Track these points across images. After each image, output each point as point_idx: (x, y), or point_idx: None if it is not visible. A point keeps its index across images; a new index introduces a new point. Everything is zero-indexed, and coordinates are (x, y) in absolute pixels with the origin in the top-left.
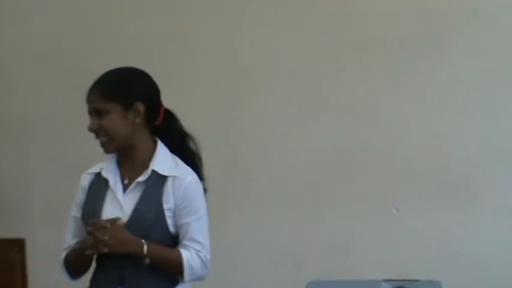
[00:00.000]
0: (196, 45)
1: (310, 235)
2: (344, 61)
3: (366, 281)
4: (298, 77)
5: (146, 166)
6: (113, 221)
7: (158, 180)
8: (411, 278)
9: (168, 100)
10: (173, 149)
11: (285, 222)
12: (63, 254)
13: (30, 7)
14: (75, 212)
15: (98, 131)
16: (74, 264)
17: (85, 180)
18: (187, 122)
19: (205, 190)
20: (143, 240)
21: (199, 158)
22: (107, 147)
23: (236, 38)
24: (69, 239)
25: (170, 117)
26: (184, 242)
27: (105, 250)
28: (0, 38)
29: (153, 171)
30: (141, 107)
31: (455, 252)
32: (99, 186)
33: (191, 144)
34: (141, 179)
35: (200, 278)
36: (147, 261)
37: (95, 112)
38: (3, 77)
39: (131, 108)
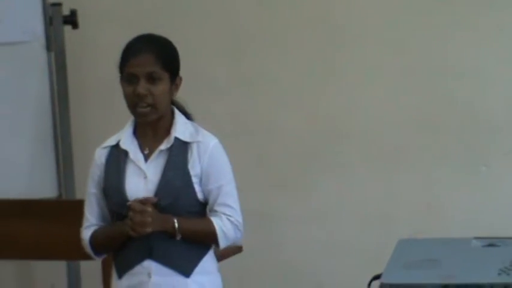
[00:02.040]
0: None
1: (399, 194)
2: (426, 18)
3: (456, 239)
4: (383, 36)
5: (166, 134)
6: (145, 201)
7: (182, 147)
8: (502, 236)
9: (255, 59)
10: None
11: (373, 181)
12: (87, 233)
13: None
14: (93, 188)
15: (145, 96)
16: (103, 245)
17: (101, 155)
18: (273, 79)
19: None
20: (174, 218)
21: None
22: (149, 116)
23: None
24: (89, 217)
25: None
26: (215, 207)
27: (148, 231)
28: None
29: (176, 138)
30: (179, 81)
31: None
32: (118, 159)
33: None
34: (163, 147)
35: (234, 241)
36: (179, 237)
37: (147, 76)
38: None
39: (174, 81)
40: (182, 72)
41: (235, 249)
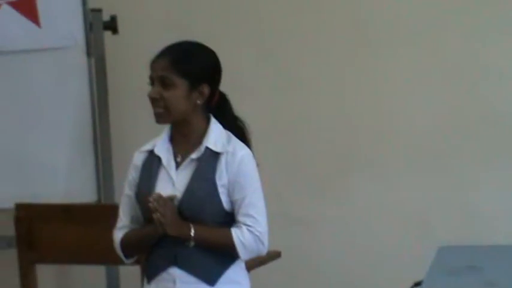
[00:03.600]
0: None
1: (440, 200)
2: (462, 20)
3: (497, 245)
4: (420, 38)
5: (199, 143)
6: (166, 199)
7: (211, 157)
8: None
9: (293, 60)
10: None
11: (414, 186)
12: (119, 234)
13: None
14: (128, 190)
15: (157, 100)
16: (133, 247)
17: (138, 158)
18: (312, 81)
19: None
20: (192, 226)
21: (250, 144)
22: (161, 119)
23: None
24: (123, 218)
25: (224, 101)
26: (238, 217)
27: (163, 221)
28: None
29: (207, 148)
30: (206, 89)
31: None
32: (151, 164)
33: (242, 129)
34: (194, 155)
35: (259, 254)
36: (192, 244)
37: (160, 80)
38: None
39: (197, 89)
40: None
41: (273, 255)
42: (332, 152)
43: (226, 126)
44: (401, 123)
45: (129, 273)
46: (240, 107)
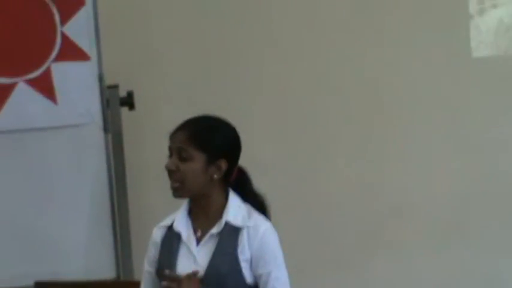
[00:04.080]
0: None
1: (456, 274)
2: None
3: None
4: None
5: (219, 217)
6: (190, 276)
7: (232, 232)
8: None
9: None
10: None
11: (433, 263)
12: None
13: None
14: (148, 267)
15: (174, 172)
16: None
17: (157, 235)
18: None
19: None
20: None
21: (269, 219)
22: (177, 193)
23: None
24: None
25: (243, 177)
26: None
27: None
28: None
29: (227, 222)
30: (223, 164)
31: None
32: (171, 241)
33: (262, 205)
34: (214, 230)
35: None
36: None
37: (177, 152)
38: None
39: (214, 163)
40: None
41: None
42: (353, 230)
43: (245, 201)
44: (417, 198)
45: None
46: (260, 180)
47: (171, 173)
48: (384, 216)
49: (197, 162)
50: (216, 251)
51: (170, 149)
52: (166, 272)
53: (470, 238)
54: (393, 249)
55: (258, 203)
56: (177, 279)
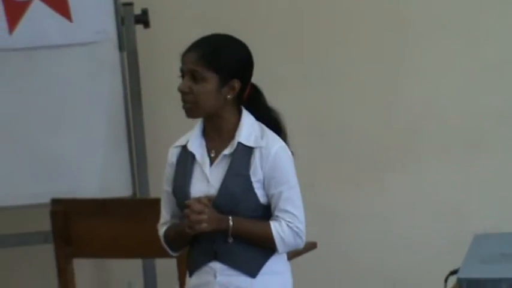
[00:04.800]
0: None
1: (472, 189)
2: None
3: None
4: (456, 29)
5: (232, 137)
6: (198, 199)
7: (245, 152)
8: None
9: (326, 57)
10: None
11: (445, 176)
12: (162, 230)
13: None
14: (166, 186)
15: (187, 94)
16: (174, 242)
17: (172, 154)
18: (345, 77)
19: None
20: (230, 217)
21: (285, 135)
22: (191, 113)
23: None
24: (165, 214)
25: (256, 93)
26: (276, 213)
27: (202, 228)
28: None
29: (239, 143)
30: (237, 84)
31: None
32: (186, 160)
33: (277, 120)
34: (227, 151)
35: (296, 248)
36: (230, 240)
37: (190, 74)
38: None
39: (227, 83)
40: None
41: (309, 246)
42: (366, 145)
43: (259, 118)
44: (434, 115)
45: (166, 266)
46: (273, 100)
47: (184, 94)
48: (397, 132)
49: (210, 83)
50: (228, 172)
51: (182, 70)
52: (188, 202)
53: (481, 154)
54: (406, 164)
55: (272, 120)
56: (196, 209)
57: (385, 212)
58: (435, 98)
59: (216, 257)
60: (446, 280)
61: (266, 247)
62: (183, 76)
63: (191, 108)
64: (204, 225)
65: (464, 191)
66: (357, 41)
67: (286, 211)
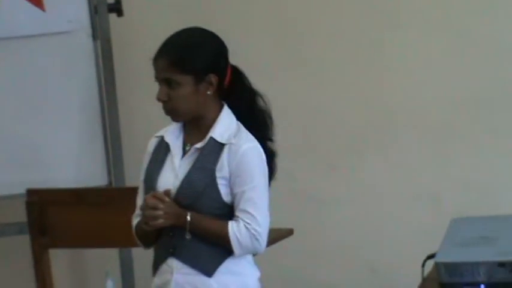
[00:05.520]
0: None
1: (449, 172)
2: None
3: (510, 215)
4: (430, 14)
5: (207, 132)
6: (154, 194)
7: (215, 148)
8: None
9: (302, 41)
10: (241, 107)
11: (424, 159)
12: (134, 221)
13: None
14: (142, 175)
15: (166, 102)
16: (142, 237)
17: (151, 144)
18: (320, 61)
19: (274, 153)
20: (188, 213)
21: (270, 116)
22: (175, 119)
23: None
24: (139, 205)
25: (237, 75)
26: (236, 213)
27: (158, 224)
28: None
29: (211, 138)
30: (213, 78)
31: None
32: (160, 151)
33: (260, 102)
34: (199, 145)
35: (254, 252)
36: (188, 236)
37: (165, 81)
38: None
39: (204, 81)
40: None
41: (286, 232)
42: (342, 130)
43: (243, 102)
44: (409, 100)
45: (143, 255)
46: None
47: (163, 103)
48: (373, 117)
49: (186, 86)
50: (194, 165)
51: (157, 78)
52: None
53: (457, 138)
54: (382, 149)
55: (255, 103)
56: (152, 204)
57: (362, 196)
58: (413, 80)
59: (173, 254)
60: (423, 264)
61: (223, 246)
62: (159, 83)
63: (175, 115)
64: (161, 221)
65: (441, 174)
66: (334, 26)
67: (246, 212)
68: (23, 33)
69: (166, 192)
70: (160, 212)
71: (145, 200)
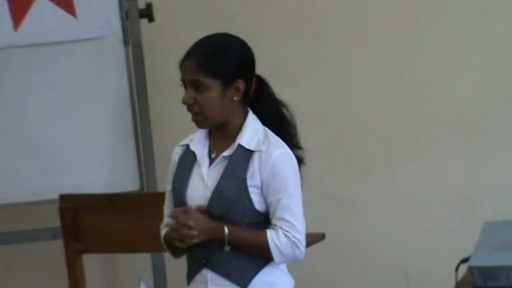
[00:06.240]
0: None
1: (483, 176)
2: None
3: None
4: (462, 14)
5: (235, 139)
6: (186, 210)
7: (244, 155)
8: None
9: (331, 43)
10: (266, 117)
11: (457, 163)
12: (163, 231)
13: None
14: (169, 185)
15: (192, 105)
16: (172, 249)
17: (176, 153)
18: (351, 63)
19: (302, 160)
20: (225, 226)
21: (294, 126)
22: (201, 125)
23: None
24: (166, 214)
25: (262, 84)
26: (273, 221)
27: (193, 242)
28: None
29: (239, 145)
30: (241, 84)
31: None
32: (187, 160)
33: (285, 112)
34: (226, 153)
35: (294, 259)
36: (227, 249)
37: (192, 84)
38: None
39: (231, 86)
40: (258, 61)
41: (317, 237)
42: (375, 134)
43: (268, 112)
44: (444, 103)
45: (175, 260)
46: (280, 92)
47: (189, 106)
48: (406, 120)
49: (214, 90)
50: (224, 174)
51: (183, 81)
52: (176, 213)
53: (496, 143)
54: (415, 152)
55: (280, 113)
56: (184, 222)
57: (395, 200)
58: (444, 85)
59: (207, 265)
60: (457, 269)
61: (262, 256)
62: (185, 86)
63: (200, 120)
64: (195, 240)
65: (474, 178)
66: (364, 30)
67: (284, 219)
68: (56, 39)
69: (200, 210)
70: (195, 232)
71: (177, 218)
